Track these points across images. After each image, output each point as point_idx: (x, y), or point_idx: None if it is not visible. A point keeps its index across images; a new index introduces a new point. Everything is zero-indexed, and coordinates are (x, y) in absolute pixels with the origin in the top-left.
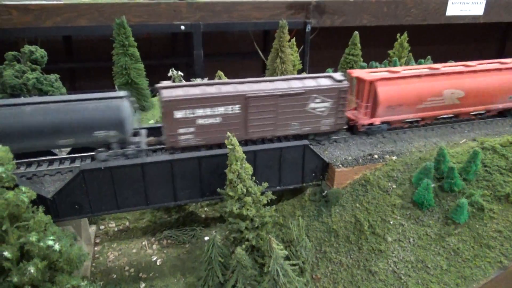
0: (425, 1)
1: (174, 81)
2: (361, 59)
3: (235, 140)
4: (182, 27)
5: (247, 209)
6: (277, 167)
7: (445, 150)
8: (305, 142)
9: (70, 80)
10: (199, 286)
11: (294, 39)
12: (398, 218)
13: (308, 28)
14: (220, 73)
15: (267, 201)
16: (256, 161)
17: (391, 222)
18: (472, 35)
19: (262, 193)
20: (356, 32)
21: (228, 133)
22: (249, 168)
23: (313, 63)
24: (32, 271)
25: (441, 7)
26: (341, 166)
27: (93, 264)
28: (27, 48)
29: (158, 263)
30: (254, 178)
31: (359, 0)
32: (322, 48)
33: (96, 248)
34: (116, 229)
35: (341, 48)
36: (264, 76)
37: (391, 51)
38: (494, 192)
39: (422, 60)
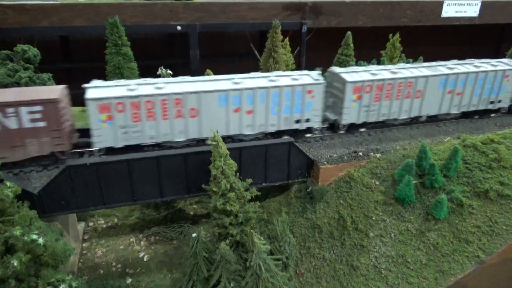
0: (420, 3)
1: None
2: (354, 59)
3: (218, 137)
4: (178, 28)
5: (231, 205)
6: (262, 164)
7: (427, 148)
8: (290, 139)
9: (67, 80)
10: (184, 281)
11: (287, 39)
12: (380, 214)
13: (304, 28)
14: (209, 71)
15: (252, 197)
16: (241, 158)
17: (374, 218)
18: (468, 36)
19: (247, 189)
20: (349, 33)
21: (212, 130)
22: (233, 164)
23: (309, 63)
24: (15, 264)
25: (437, 9)
26: (326, 163)
27: (81, 260)
28: (20, 47)
29: (145, 259)
30: (238, 174)
31: (355, 1)
32: (318, 49)
33: (84, 245)
34: (104, 225)
35: (337, 49)
36: None
37: (383, 52)
38: (474, 188)
39: (411, 60)
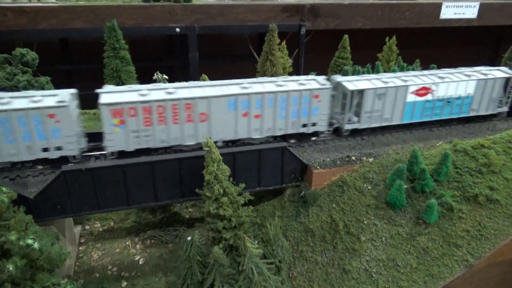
0: (419, 5)
1: None
2: (351, 62)
3: (211, 142)
4: (177, 30)
5: (224, 209)
6: (256, 169)
7: (418, 152)
8: (284, 144)
9: (67, 82)
10: (179, 284)
11: (284, 42)
12: (372, 218)
13: (303, 31)
14: (204, 76)
15: (245, 201)
16: (235, 163)
17: (365, 222)
18: (466, 38)
19: (240, 194)
20: (346, 36)
21: (204, 135)
22: (226, 169)
23: (308, 65)
24: (10, 268)
25: (435, 11)
26: (318, 167)
27: (77, 264)
28: (18, 50)
29: (140, 263)
30: (231, 179)
31: (353, 3)
32: (317, 51)
33: (80, 248)
34: (101, 229)
35: (335, 51)
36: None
37: (380, 54)
38: (464, 193)
39: (405, 64)
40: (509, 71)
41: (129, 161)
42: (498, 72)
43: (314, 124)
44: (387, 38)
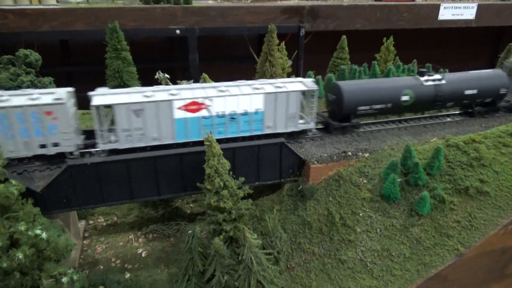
0: (417, 6)
1: (161, 84)
2: (349, 63)
3: (212, 137)
4: (177, 31)
5: (224, 202)
6: (255, 164)
7: (411, 147)
8: (282, 140)
9: (67, 83)
10: (180, 275)
11: (283, 43)
12: (367, 210)
13: (302, 32)
14: (204, 75)
15: (244, 194)
16: (235, 158)
17: (361, 214)
18: (465, 39)
19: (240, 188)
20: (344, 36)
21: (206, 131)
22: (226, 164)
23: (307, 66)
24: (20, 257)
25: (433, 12)
26: (316, 162)
27: (82, 256)
28: (21, 52)
29: (143, 255)
30: (231, 173)
31: (352, 4)
32: (316, 52)
33: (84, 242)
34: (104, 223)
35: (335, 51)
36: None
37: (377, 55)
38: (455, 186)
39: (400, 64)
40: (309, 84)
41: (133, 156)
42: (296, 85)
43: (56, 145)
44: (384, 38)
